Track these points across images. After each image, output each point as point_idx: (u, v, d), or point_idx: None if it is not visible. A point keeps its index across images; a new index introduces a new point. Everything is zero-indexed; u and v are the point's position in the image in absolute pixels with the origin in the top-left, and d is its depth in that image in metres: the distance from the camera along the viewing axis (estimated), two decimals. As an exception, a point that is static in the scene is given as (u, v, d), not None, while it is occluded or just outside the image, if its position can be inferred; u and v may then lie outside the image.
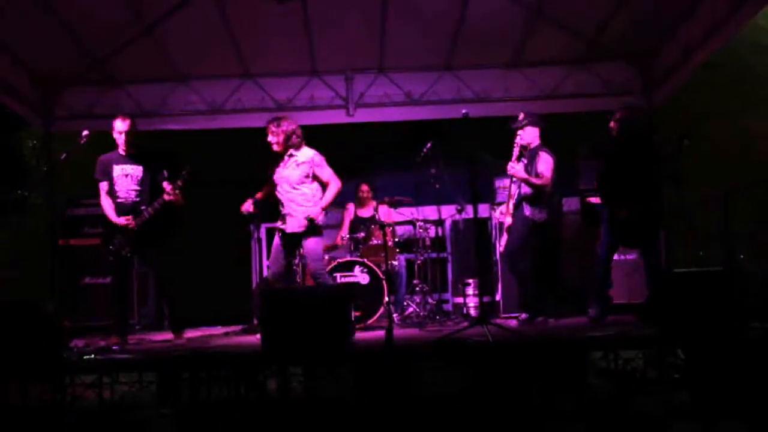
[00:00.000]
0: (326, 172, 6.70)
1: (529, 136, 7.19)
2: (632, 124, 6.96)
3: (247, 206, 6.72)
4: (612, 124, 6.99)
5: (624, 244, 7.15)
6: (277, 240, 6.81)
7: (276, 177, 6.69)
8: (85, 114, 8.86)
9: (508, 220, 7.25)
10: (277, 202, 6.76)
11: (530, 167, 7.06)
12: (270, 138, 6.63)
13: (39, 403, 5.05)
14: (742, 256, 7.92)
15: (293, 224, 6.60)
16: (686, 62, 8.00)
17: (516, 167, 7.07)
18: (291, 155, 6.65)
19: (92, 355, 5.49)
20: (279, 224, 6.72)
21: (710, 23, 7.34)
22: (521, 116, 7.24)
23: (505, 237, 7.29)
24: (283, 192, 6.67)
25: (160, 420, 4.91)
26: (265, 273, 9.31)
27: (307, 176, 6.64)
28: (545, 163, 6.99)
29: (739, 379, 4.79)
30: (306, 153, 6.66)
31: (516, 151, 7.13)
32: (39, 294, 8.41)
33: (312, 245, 6.66)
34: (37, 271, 9.00)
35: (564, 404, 4.86)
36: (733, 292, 5.20)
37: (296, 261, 8.05)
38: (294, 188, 6.63)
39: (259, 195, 6.80)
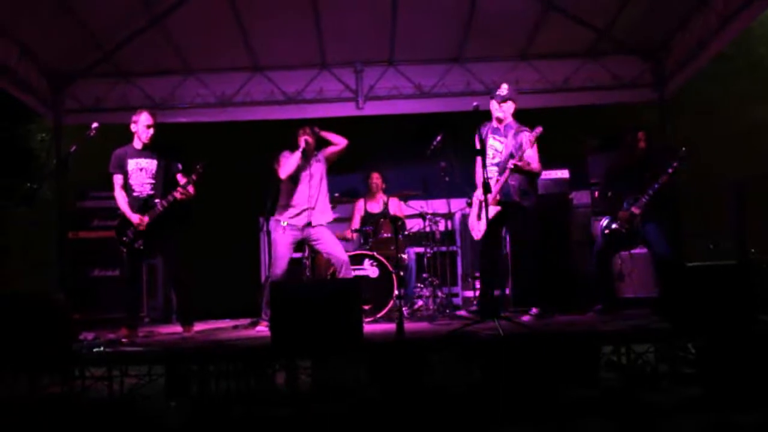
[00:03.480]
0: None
1: (509, 110, 6.86)
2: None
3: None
4: (641, 134, 7.05)
5: (622, 248, 7.21)
6: (285, 238, 7.03)
7: (303, 174, 7.12)
8: (95, 107, 8.87)
9: (493, 211, 6.63)
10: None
11: (513, 145, 6.64)
12: (309, 140, 7.08)
13: (49, 395, 5.06)
14: (753, 250, 7.87)
15: (323, 217, 7.14)
16: (698, 55, 7.96)
17: (522, 161, 6.57)
18: (315, 154, 7.22)
19: (102, 348, 5.49)
20: (297, 220, 7.06)
21: (723, 15, 7.30)
22: (507, 89, 6.91)
23: (482, 225, 6.73)
24: (310, 187, 7.09)
25: (170, 413, 4.91)
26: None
27: (325, 170, 7.28)
28: (534, 148, 6.64)
29: (752, 373, 4.76)
30: (321, 153, 7.27)
31: (532, 138, 6.45)
32: (48, 286, 8.41)
33: (332, 236, 7.19)
34: (46, 263, 9.00)
35: (575, 397, 4.84)
36: (746, 286, 5.16)
37: (305, 255, 8.09)
38: (322, 183, 7.19)
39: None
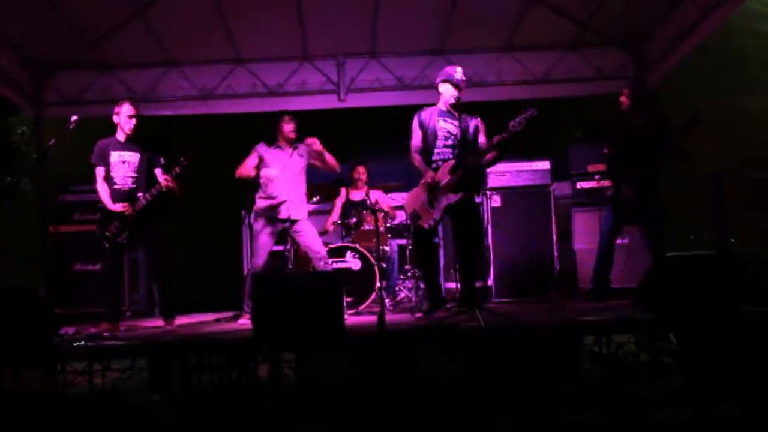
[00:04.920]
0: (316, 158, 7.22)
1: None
2: (643, 100, 6.93)
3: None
4: (623, 98, 6.94)
5: (627, 222, 7.02)
6: (266, 228, 7.04)
7: (278, 167, 7.05)
8: (76, 100, 8.83)
9: (451, 197, 6.25)
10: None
11: (472, 134, 6.43)
12: (293, 129, 7.10)
13: (31, 390, 5.04)
14: (733, 240, 7.93)
15: (299, 211, 7.07)
16: (679, 46, 8.01)
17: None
18: (295, 147, 7.13)
19: (83, 342, 5.46)
20: (276, 212, 7.01)
21: (704, 6, 7.34)
22: (463, 72, 6.53)
23: (435, 212, 6.32)
24: (287, 179, 7.04)
25: (155, 406, 4.91)
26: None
27: (306, 165, 7.21)
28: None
29: (732, 363, 4.80)
30: (302, 146, 7.16)
31: (523, 120, 5.99)
32: (29, 280, 8.37)
33: (313, 229, 7.14)
34: (28, 257, 8.96)
35: (559, 388, 4.86)
36: (726, 277, 5.20)
37: (288, 247, 8.08)
38: (300, 177, 7.14)
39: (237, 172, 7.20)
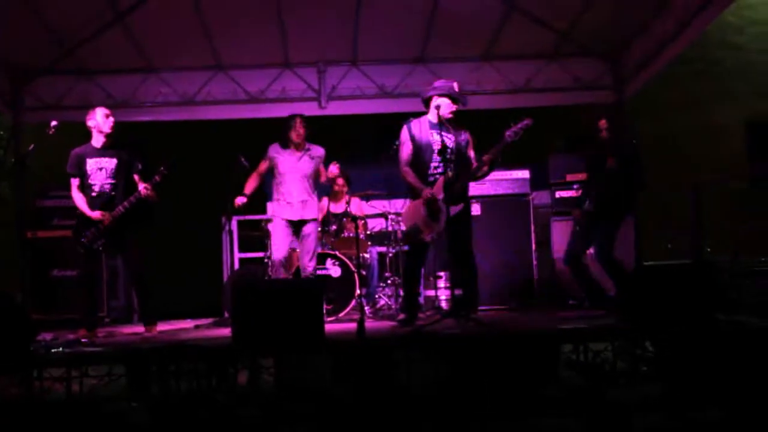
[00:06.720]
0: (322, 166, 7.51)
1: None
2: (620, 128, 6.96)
3: (241, 200, 7.19)
4: (602, 123, 6.85)
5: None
6: (284, 226, 7.17)
7: (285, 168, 7.20)
8: (55, 105, 8.76)
9: (453, 209, 6.23)
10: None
11: (464, 147, 6.49)
12: (301, 131, 7.20)
13: (6, 396, 5.00)
14: (708, 249, 8.00)
15: (309, 212, 7.23)
16: (657, 57, 8.08)
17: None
18: (307, 149, 7.28)
19: (60, 348, 5.44)
20: (291, 214, 7.17)
21: (682, 18, 7.42)
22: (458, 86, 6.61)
23: (438, 225, 6.31)
24: (294, 181, 7.19)
25: (133, 413, 4.88)
26: (236, 266, 9.30)
27: (316, 169, 7.36)
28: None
29: (709, 371, 4.85)
30: (318, 149, 7.36)
31: (519, 130, 6.15)
32: (6, 286, 8.30)
33: (314, 240, 7.27)
34: (5, 263, 8.88)
35: (539, 395, 4.89)
36: (703, 285, 5.25)
37: (267, 253, 8.07)
38: (307, 179, 7.25)
39: (247, 189, 7.26)
